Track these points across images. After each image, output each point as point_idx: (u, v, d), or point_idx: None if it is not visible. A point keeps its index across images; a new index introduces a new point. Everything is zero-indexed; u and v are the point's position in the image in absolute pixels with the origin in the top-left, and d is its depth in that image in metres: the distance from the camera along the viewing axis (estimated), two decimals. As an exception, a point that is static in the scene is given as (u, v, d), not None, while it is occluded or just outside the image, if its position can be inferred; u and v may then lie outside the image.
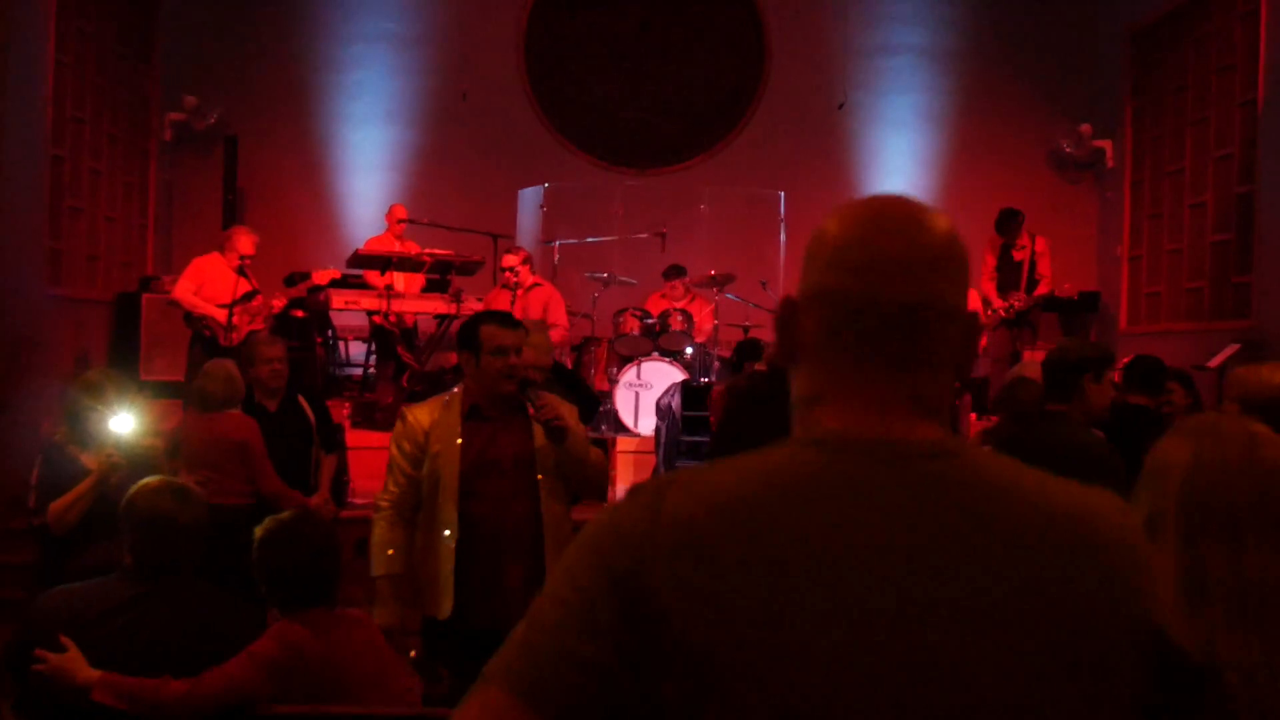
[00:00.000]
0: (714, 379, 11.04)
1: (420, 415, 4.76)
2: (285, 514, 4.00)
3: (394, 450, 4.81)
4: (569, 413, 4.72)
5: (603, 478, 5.04)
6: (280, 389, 7.02)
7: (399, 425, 4.80)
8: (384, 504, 4.80)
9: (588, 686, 1.34)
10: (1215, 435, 2.10)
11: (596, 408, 7.63)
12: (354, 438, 9.83)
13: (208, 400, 6.63)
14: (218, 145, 13.21)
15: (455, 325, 10.76)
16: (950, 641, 1.32)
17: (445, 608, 4.58)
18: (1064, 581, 1.36)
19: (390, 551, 4.74)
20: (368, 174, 13.79)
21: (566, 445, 4.64)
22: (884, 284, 1.45)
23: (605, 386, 11.33)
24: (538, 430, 4.66)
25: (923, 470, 1.40)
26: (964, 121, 14.07)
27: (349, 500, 8.65)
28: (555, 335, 10.12)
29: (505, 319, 4.78)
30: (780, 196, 12.98)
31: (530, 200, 12.89)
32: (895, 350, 1.45)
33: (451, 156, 13.81)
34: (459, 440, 4.65)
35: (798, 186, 13.28)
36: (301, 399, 7.18)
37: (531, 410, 4.64)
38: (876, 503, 1.37)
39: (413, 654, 4.67)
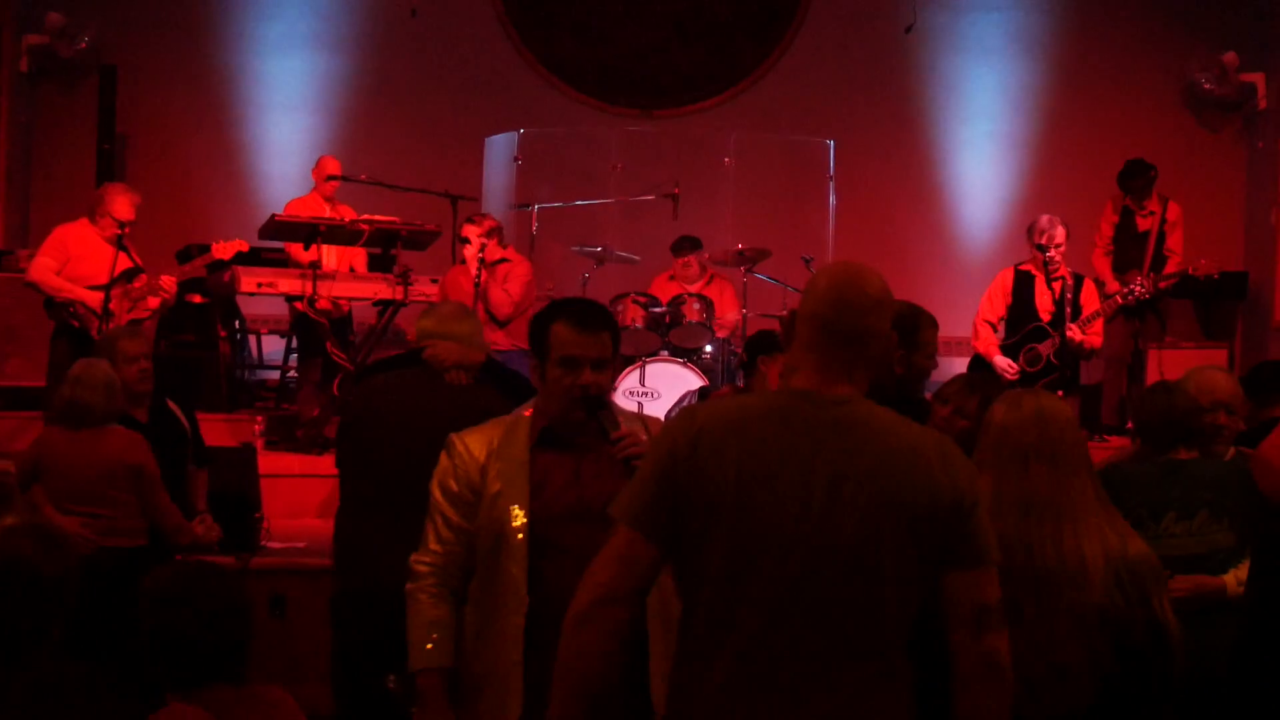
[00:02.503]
0: (744, 387, 10.96)
1: (474, 444, 4.53)
2: (177, 562, 3.92)
3: (436, 493, 4.56)
4: None
5: None
6: (149, 393, 7.10)
7: (444, 459, 4.56)
8: (423, 569, 4.53)
9: (665, 516, 3.32)
10: (1016, 399, 4.21)
11: None
12: (268, 463, 9.78)
13: (82, 413, 6.61)
14: (90, 77, 13.18)
15: (400, 314, 10.71)
16: (830, 505, 3.22)
17: (512, 712, 4.33)
18: (900, 475, 3.25)
19: (435, 636, 4.47)
20: (287, 116, 13.79)
21: None
22: (845, 316, 3.38)
23: (599, 395, 11.24)
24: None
25: (830, 409, 3.33)
26: (1069, 48, 14.08)
27: (262, 544, 8.62)
28: (501, 305, 10.05)
29: (585, 316, 4.50)
30: (829, 146, 12.98)
31: (501, 151, 12.88)
32: (843, 350, 3.38)
33: (397, 93, 13.81)
34: (529, 478, 4.45)
35: (852, 134, 13.28)
36: (172, 404, 7.27)
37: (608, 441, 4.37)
38: (799, 426, 3.30)
39: (391, 682, 4.70)
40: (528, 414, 4.60)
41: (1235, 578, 5.18)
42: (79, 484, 6.50)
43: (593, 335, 4.40)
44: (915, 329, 5.39)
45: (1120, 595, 3.91)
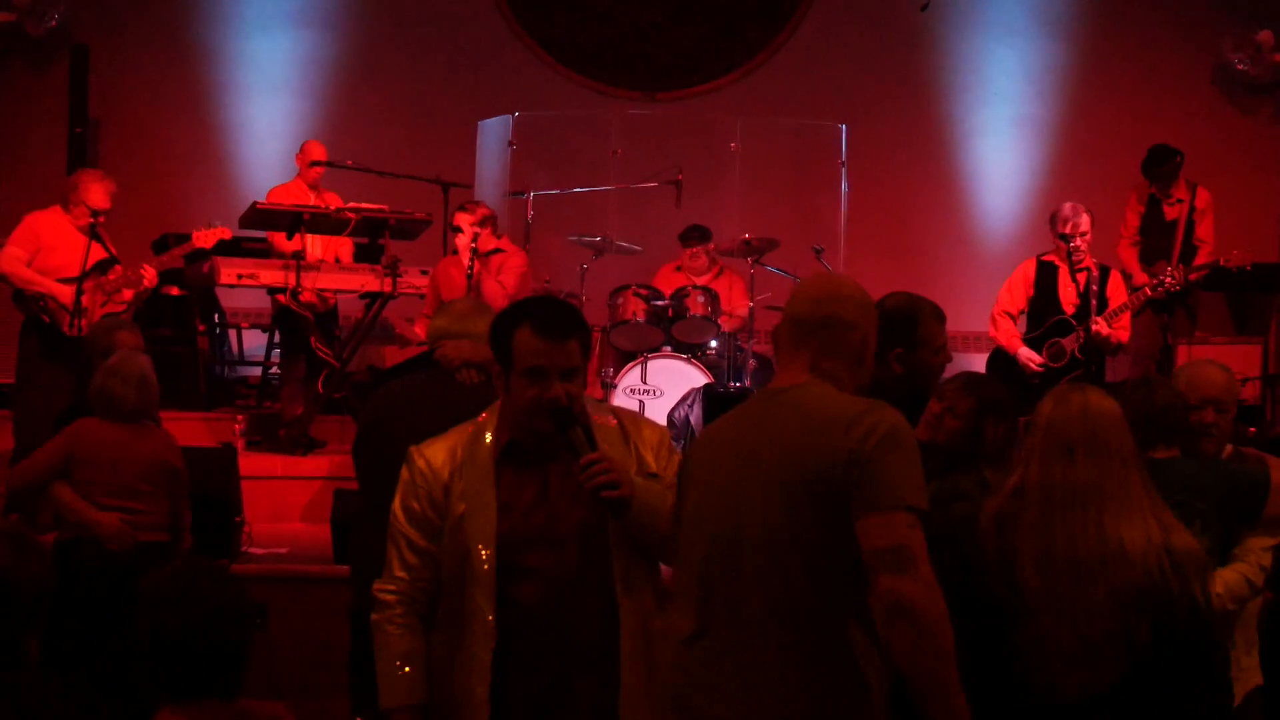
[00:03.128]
0: (750, 384, 11.02)
1: (436, 456, 4.42)
2: (177, 562, 3.97)
3: (399, 515, 4.44)
4: (627, 484, 4.26)
5: None
6: None
7: (405, 474, 4.45)
8: (388, 597, 4.43)
9: None
10: (1064, 395, 4.52)
11: None
12: (250, 463, 9.83)
13: (118, 408, 6.85)
14: (60, 57, 13.23)
15: (389, 307, 10.77)
16: (742, 485, 3.81)
17: None
18: (802, 446, 3.71)
19: (406, 671, 4.38)
20: (270, 98, 13.83)
21: (631, 519, 4.23)
22: (802, 308, 3.98)
23: (598, 393, 11.28)
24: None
25: (771, 399, 3.92)
26: (1095, 27, 14.10)
27: (243, 550, 8.65)
28: (496, 298, 10.06)
29: (551, 322, 4.31)
30: (841, 130, 12.93)
31: (494, 135, 12.88)
32: (805, 343, 3.94)
33: (386, 74, 13.84)
34: (496, 498, 4.33)
35: (864, 117, 13.29)
36: None
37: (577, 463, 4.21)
38: (749, 418, 3.95)
39: None
40: (483, 419, 4.48)
41: None
42: (120, 478, 6.77)
43: (560, 343, 4.24)
44: (913, 323, 5.30)
45: (1161, 577, 4.17)
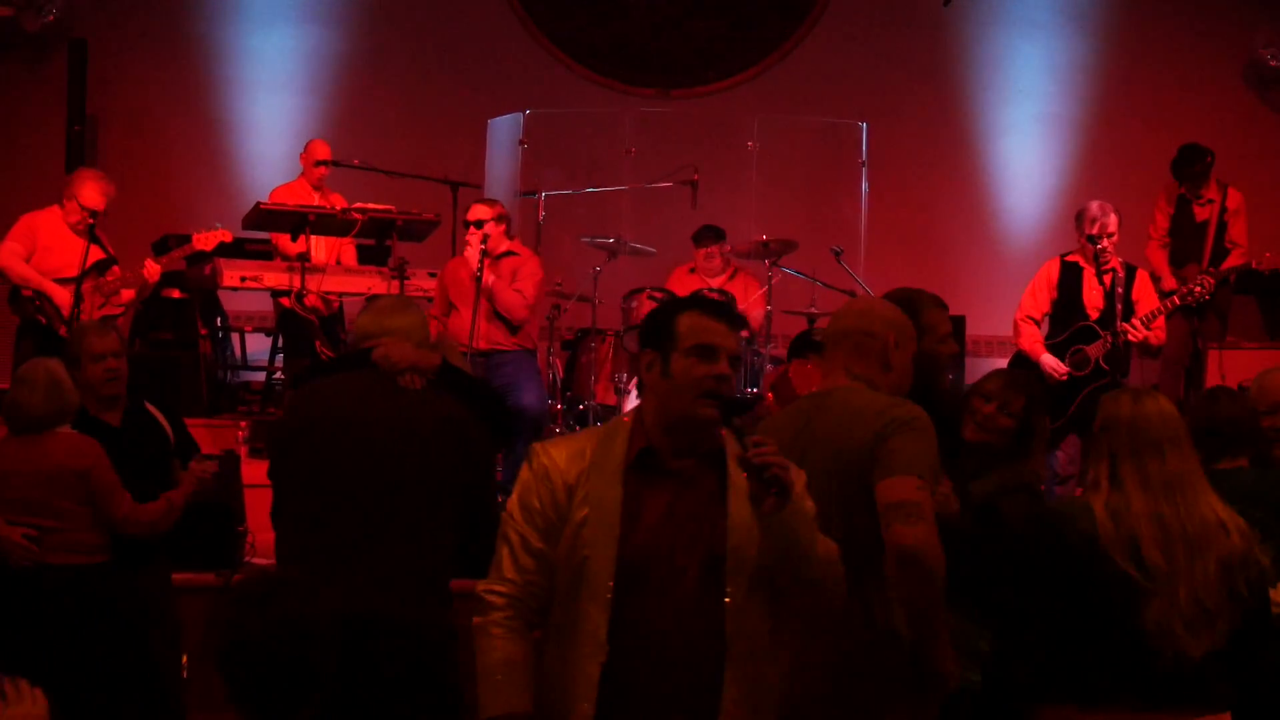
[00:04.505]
0: (770, 391, 10.96)
1: (560, 456, 4.25)
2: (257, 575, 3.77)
3: (515, 512, 4.27)
4: (799, 477, 4.12)
5: (838, 585, 4.33)
6: (120, 395, 6.88)
7: (525, 472, 4.29)
8: (496, 599, 4.25)
9: None
10: (1136, 397, 4.79)
11: (508, 431, 7.16)
12: (252, 471, 9.75)
13: (21, 415, 6.55)
14: (58, 53, 13.25)
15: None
16: (804, 468, 4.16)
17: None
18: (843, 433, 4.66)
19: (510, 679, 4.21)
20: (273, 95, 13.85)
21: (785, 519, 4.04)
22: (832, 323, 5.05)
23: (611, 399, 11.26)
24: (736, 508, 4.15)
25: (813, 401, 4.90)
26: (1123, 22, 14.10)
27: (246, 560, 8.60)
28: (517, 308, 10.00)
29: (718, 306, 4.31)
30: (862, 129, 12.98)
31: (505, 134, 12.89)
32: (835, 352, 4.91)
33: (393, 71, 13.86)
34: (622, 506, 4.16)
35: (885, 115, 13.30)
36: (151, 407, 7.06)
37: (740, 456, 4.01)
38: (799, 415, 4.88)
39: None
40: (626, 420, 4.31)
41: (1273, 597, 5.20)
42: (22, 493, 6.40)
43: (729, 328, 4.18)
44: (914, 315, 5.30)
45: (1244, 541, 4.68)
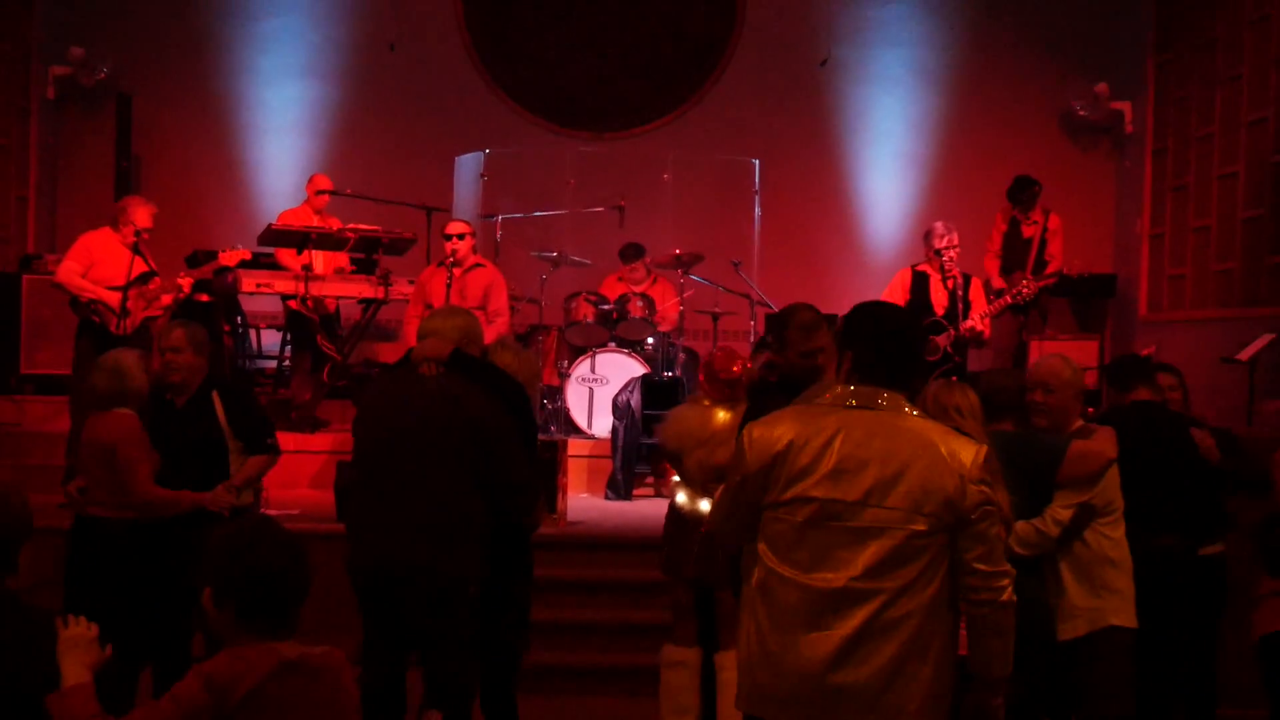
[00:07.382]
0: (680, 374, 11.09)
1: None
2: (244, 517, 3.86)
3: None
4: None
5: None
6: (182, 383, 6.75)
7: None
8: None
9: None
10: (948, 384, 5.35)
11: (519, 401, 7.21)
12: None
13: (92, 396, 6.58)
14: (108, 104, 13.17)
15: (382, 310, 10.81)
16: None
17: None
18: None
19: None
20: (282, 138, 13.78)
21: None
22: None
23: (555, 381, 11.37)
24: None
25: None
26: (963, 80, 14.12)
27: (261, 511, 8.58)
28: (498, 326, 10.11)
29: None
30: (755, 165, 13.04)
31: (469, 168, 12.89)
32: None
33: (378, 118, 13.81)
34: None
35: (775, 154, 13.36)
36: (216, 397, 6.86)
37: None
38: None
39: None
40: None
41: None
42: (83, 457, 6.46)
43: None
44: (782, 328, 5.56)
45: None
